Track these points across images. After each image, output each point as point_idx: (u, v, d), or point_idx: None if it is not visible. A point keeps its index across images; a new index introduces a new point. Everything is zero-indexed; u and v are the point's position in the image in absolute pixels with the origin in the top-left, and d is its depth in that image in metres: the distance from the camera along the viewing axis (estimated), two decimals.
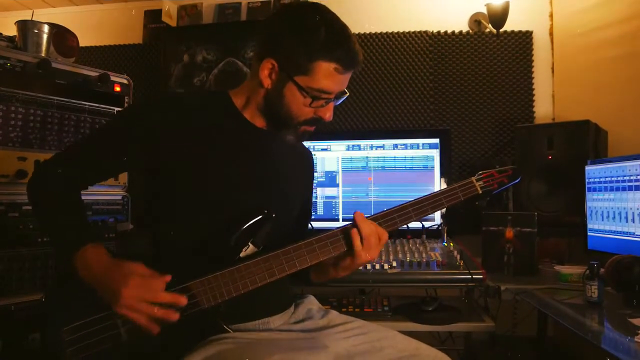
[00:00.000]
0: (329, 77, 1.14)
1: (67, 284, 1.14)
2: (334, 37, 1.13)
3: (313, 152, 1.65)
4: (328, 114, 1.21)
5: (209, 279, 1.08)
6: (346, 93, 1.21)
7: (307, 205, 1.49)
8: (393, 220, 1.21)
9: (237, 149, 1.23)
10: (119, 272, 1.04)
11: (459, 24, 2.75)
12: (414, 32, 2.75)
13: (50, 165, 1.22)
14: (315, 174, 2.39)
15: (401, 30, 2.77)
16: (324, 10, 1.17)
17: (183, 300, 1.04)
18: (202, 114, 1.22)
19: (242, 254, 1.12)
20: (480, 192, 1.27)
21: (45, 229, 1.30)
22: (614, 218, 1.80)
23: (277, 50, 1.14)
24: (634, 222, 1.70)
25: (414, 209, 1.21)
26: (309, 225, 1.52)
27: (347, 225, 1.18)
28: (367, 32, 2.78)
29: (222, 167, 1.20)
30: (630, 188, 1.73)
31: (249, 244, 1.13)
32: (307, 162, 1.47)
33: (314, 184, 1.56)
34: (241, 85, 1.28)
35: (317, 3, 1.19)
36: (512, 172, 1.30)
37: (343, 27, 1.16)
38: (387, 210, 1.22)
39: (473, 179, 1.27)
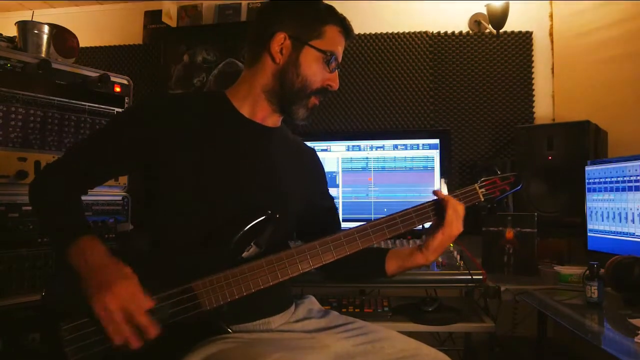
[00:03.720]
0: (337, 39, 1.24)
1: (67, 282, 1.13)
2: (332, 7, 1.26)
3: None
4: (336, 82, 1.27)
5: (211, 280, 1.08)
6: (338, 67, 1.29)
7: (327, 201, 1.48)
8: (396, 225, 1.21)
9: (236, 147, 1.23)
10: (119, 270, 1.03)
11: (459, 24, 2.75)
12: (414, 33, 2.75)
13: (51, 170, 1.23)
14: None
15: (401, 31, 2.77)
16: None
17: (154, 332, 1.00)
18: (201, 114, 1.22)
19: (244, 255, 1.12)
20: (483, 199, 1.28)
21: (44, 228, 1.30)
22: (613, 218, 1.80)
23: (285, 23, 1.21)
24: (633, 222, 1.70)
25: (417, 214, 1.23)
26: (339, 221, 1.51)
27: (351, 229, 1.18)
28: (367, 32, 2.78)
29: (221, 167, 1.20)
30: (630, 188, 1.73)
31: (252, 244, 1.13)
32: (311, 160, 1.46)
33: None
34: (237, 83, 1.29)
35: None
36: (514, 180, 1.30)
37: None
38: (390, 215, 1.22)
39: (476, 185, 1.28)
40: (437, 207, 1.23)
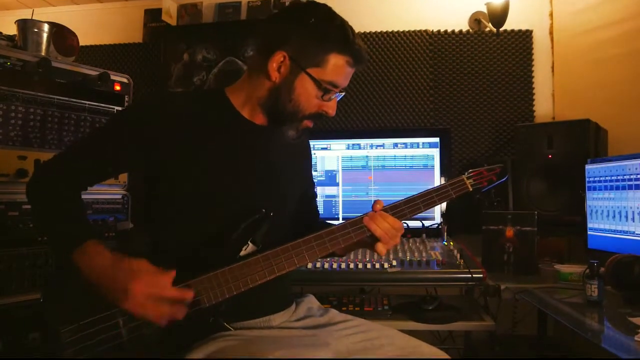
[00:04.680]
0: (340, 69, 1.18)
1: (66, 283, 1.13)
2: (346, 32, 1.17)
3: (313, 152, 1.65)
4: (332, 109, 1.23)
5: (209, 278, 1.09)
6: (343, 92, 1.24)
7: (311, 188, 1.49)
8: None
9: (236, 147, 1.23)
10: (126, 268, 1.04)
11: (459, 23, 2.75)
12: (414, 31, 2.75)
13: (50, 167, 1.22)
14: (316, 173, 2.39)
15: (401, 30, 2.77)
16: (330, 9, 1.20)
17: (190, 295, 1.05)
18: (200, 112, 1.22)
19: (242, 253, 1.13)
20: (471, 189, 1.29)
21: (43, 229, 1.29)
22: (614, 217, 1.80)
23: (289, 43, 1.16)
24: (633, 221, 1.70)
25: (407, 206, 1.23)
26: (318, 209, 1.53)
27: (343, 222, 1.20)
28: (367, 31, 2.78)
29: (220, 166, 1.20)
30: (630, 187, 1.73)
31: (249, 242, 1.14)
32: (304, 149, 1.46)
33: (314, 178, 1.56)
34: (238, 83, 1.28)
35: (321, 2, 1.22)
36: (500, 170, 1.33)
37: (350, 26, 1.19)
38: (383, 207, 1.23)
39: (463, 176, 1.30)
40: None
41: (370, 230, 1.18)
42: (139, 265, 1.05)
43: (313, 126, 1.27)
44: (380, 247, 1.19)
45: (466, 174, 1.30)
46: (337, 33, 1.16)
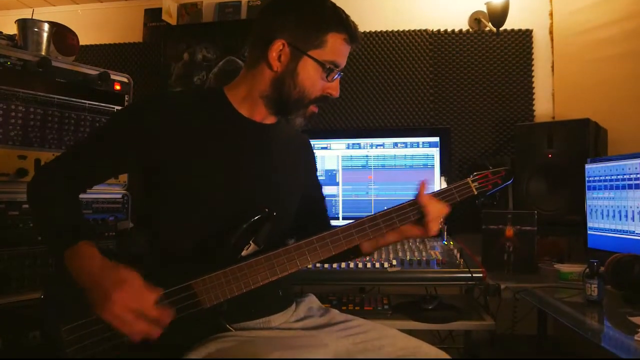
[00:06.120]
0: (339, 48, 1.19)
1: (66, 283, 1.13)
2: (339, 11, 1.20)
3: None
4: (336, 90, 1.24)
5: (211, 278, 1.08)
6: (342, 72, 1.25)
7: (317, 190, 1.47)
8: (392, 220, 1.22)
9: (235, 145, 1.23)
10: (114, 275, 1.01)
11: (459, 22, 2.75)
12: (414, 31, 2.75)
13: (51, 169, 1.22)
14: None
15: (401, 29, 2.77)
16: None
17: (169, 317, 1.02)
18: (199, 111, 1.21)
19: (243, 253, 1.12)
20: (476, 192, 1.29)
21: (41, 229, 1.27)
22: (613, 216, 1.80)
23: (285, 30, 1.17)
24: (633, 220, 1.70)
25: (412, 209, 1.23)
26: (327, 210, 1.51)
27: (350, 223, 1.19)
28: (368, 30, 2.78)
29: (220, 166, 1.20)
30: (630, 186, 1.73)
31: (251, 243, 1.13)
32: (305, 149, 1.46)
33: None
34: (236, 80, 1.27)
35: None
36: (505, 173, 1.32)
37: (339, 7, 1.22)
38: (387, 209, 1.23)
39: (468, 179, 1.29)
40: (419, 208, 1.24)
41: (426, 209, 1.20)
42: (128, 275, 1.01)
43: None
44: (433, 224, 1.21)
45: (471, 177, 1.30)
46: (331, 13, 1.18)
